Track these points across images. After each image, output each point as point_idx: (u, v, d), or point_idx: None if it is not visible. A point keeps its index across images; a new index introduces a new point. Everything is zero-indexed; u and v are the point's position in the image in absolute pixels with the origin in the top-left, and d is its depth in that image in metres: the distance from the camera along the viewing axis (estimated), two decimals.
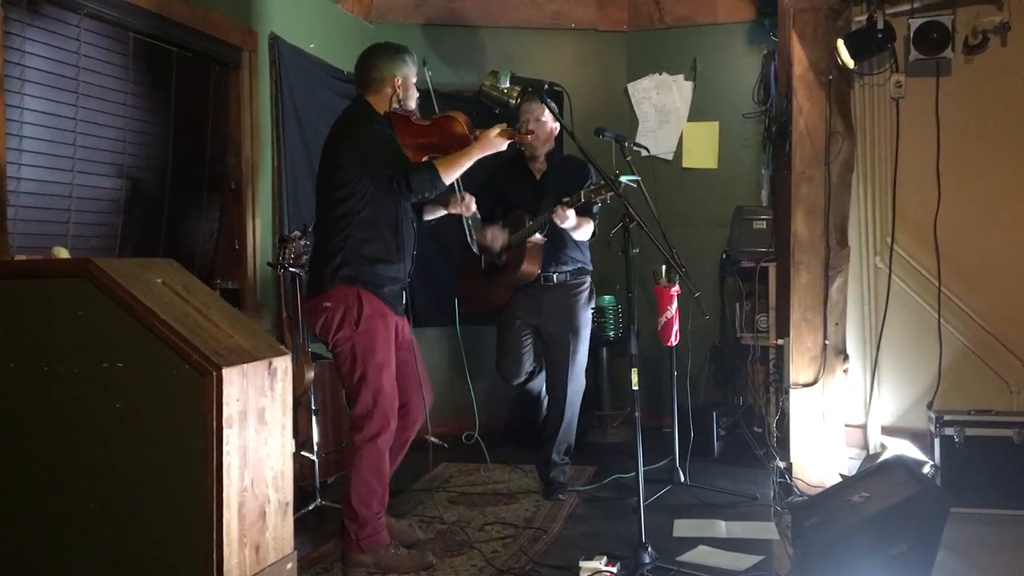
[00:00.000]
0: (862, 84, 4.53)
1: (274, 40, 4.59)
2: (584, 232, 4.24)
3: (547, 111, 4.26)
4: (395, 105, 3.41)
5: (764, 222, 5.19)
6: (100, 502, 2.43)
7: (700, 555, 3.47)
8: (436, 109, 3.66)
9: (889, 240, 4.49)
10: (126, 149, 3.75)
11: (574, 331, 4.30)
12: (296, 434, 3.29)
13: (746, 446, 4.93)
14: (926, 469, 3.94)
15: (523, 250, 4.22)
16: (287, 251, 3.89)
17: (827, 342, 4.26)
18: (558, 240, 4.25)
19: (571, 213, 4.05)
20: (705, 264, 5.67)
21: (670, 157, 5.99)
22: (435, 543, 3.63)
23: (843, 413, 4.32)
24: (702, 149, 5.96)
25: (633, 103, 6.07)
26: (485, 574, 3.35)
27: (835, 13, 4.32)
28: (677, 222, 5.30)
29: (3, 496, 2.50)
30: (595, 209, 4.21)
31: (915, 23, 4.27)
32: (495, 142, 3.36)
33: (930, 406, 4.28)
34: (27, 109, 3.23)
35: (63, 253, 3.01)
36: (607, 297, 5.61)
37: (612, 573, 3.09)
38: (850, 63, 4.24)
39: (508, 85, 3.98)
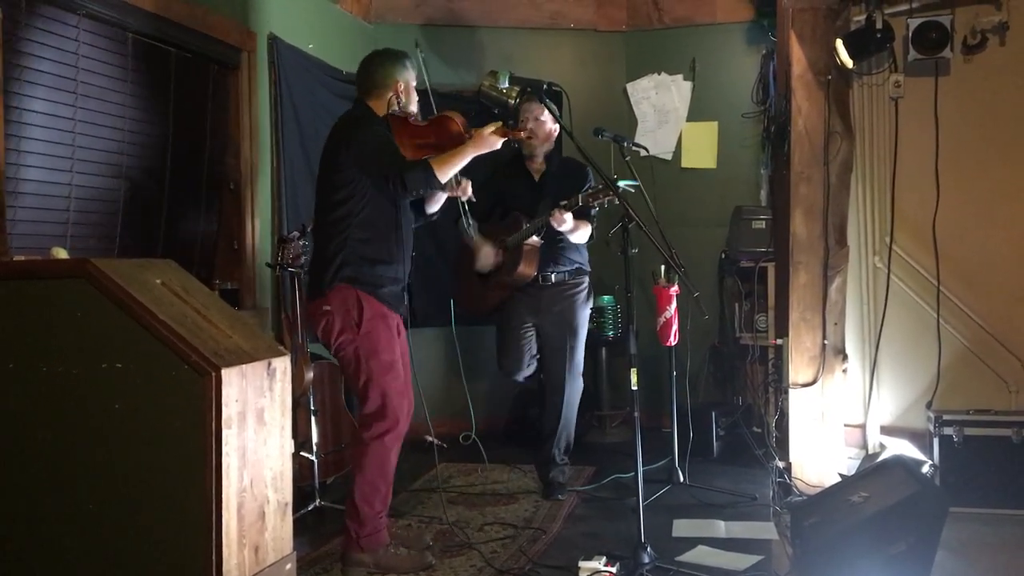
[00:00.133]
0: (861, 84, 4.53)
1: (273, 40, 4.59)
2: (582, 235, 4.24)
3: (546, 111, 4.26)
4: (394, 107, 3.43)
5: (763, 222, 5.19)
6: (99, 503, 2.43)
7: (699, 555, 3.47)
8: (434, 108, 3.67)
9: (888, 240, 4.49)
10: (125, 150, 3.75)
11: (572, 331, 4.30)
12: (295, 435, 3.30)
13: (745, 446, 4.93)
14: (925, 469, 3.94)
15: (520, 252, 4.22)
16: (286, 251, 3.89)
17: (826, 342, 4.26)
18: (556, 241, 4.25)
19: (568, 216, 4.05)
20: (704, 264, 5.67)
21: (669, 157, 5.99)
22: (435, 544, 3.63)
23: (842, 413, 4.32)
24: (701, 149, 5.96)
25: (632, 103, 6.07)
26: (484, 574, 3.35)
27: (834, 13, 4.32)
28: (676, 222, 5.30)
29: (3, 496, 2.50)
30: (593, 212, 4.20)
31: (914, 23, 4.27)
32: (489, 140, 3.38)
33: (929, 406, 4.29)
34: (26, 110, 3.23)
35: (62, 254, 3.01)
36: (606, 297, 5.62)
37: (611, 573, 3.09)
38: (849, 63, 4.24)
39: (507, 85, 3.97)
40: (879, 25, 4.13)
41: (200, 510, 2.38)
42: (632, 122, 6.06)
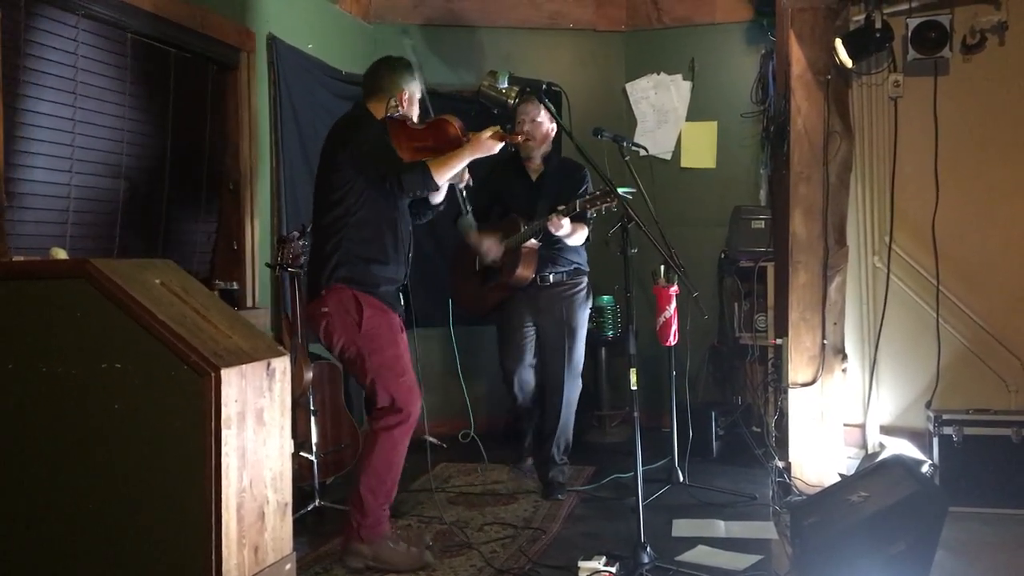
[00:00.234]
0: (860, 84, 4.53)
1: (272, 40, 4.59)
2: (578, 238, 4.24)
3: (543, 112, 4.26)
4: (392, 111, 3.46)
5: (762, 222, 5.19)
6: (99, 503, 2.43)
7: (699, 555, 3.47)
8: (430, 108, 3.69)
9: (887, 239, 4.49)
10: (124, 150, 3.75)
11: (571, 331, 4.30)
12: (295, 435, 3.30)
13: (745, 446, 4.93)
14: (925, 468, 3.94)
15: (518, 255, 4.21)
16: (285, 252, 3.89)
17: (825, 342, 4.26)
18: (554, 242, 4.25)
19: (566, 222, 4.05)
20: (703, 264, 5.67)
21: (668, 157, 5.99)
22: (434, 544, 3.63)
23: (842, 412, 4.32)
24: (700, 149, 5.96)
25: (631, 103, 6.07)
26: (484, 574, 3.35)
27: (833, 13, 4.32)
28: (675, 222, 5.30)
29: (3, 496, 2.50)
30: (589, 215, 4.20)
31: (913, 23, 4.27)
32: (487, 144, 3.40)
33: (928, 405, 4.29)
34: (25, 110, 3.23)
35: (61, 254, 3.01)
36: (606, 297, 5.62)
37: (611, 573, 3.09)
38: (848, 63, 4.24)
39: (506, 85, 3.97)
40: (878, 25, 4.13)
41: (200, 510, 2.38)
42: (631, 122, 6.06)
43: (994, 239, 4.34)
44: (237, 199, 4.40)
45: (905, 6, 4.31)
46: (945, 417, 4.06)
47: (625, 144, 4.15)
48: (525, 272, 4.23)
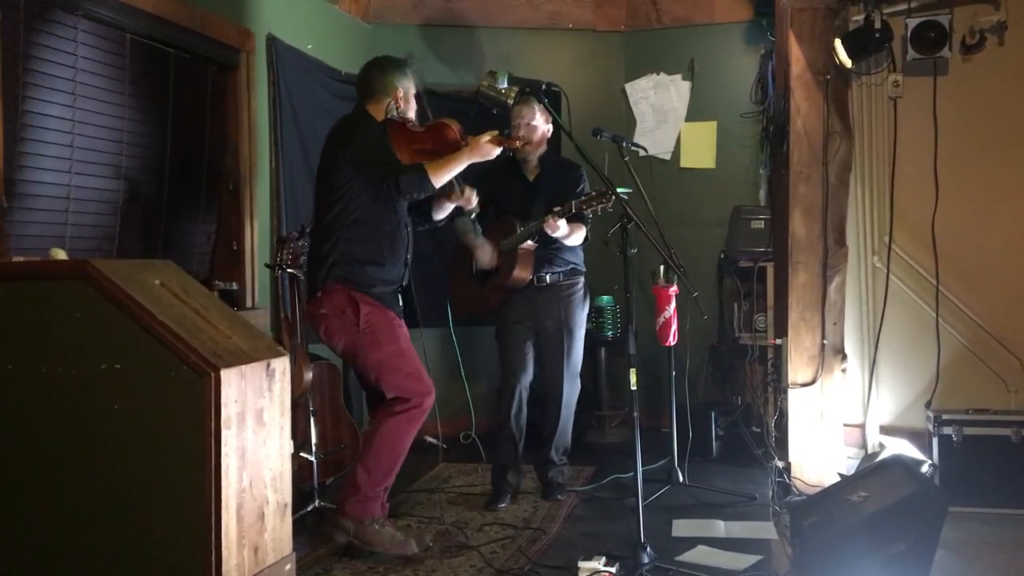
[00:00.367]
0: (860, 84, 4.53)
1: (271, 41, 4.59)
2: (576, 238, 4.22)
3: (539, 115, 4.24)
4: (392, 113, 3.47)
5: (762, 222, 5.20)
6: (99, 503, 2.44)
7: (699, 555, 3.47)
8: (427, 110, 3.70)
9: (887, 239, 4.49)
10: (124, 150, 3.75)
11: (569, 331, 4.29)
12: (294, 435, 3.30)
13: (744, 446, 4.93)
14: (924, 468, 3.94)
15: (515, 256, 4.20)
16: (285, 252, 3.89)
17: (825, 342, 4.26)
18: (550, 242, 4.23)
19: (562, 223, 4.03)
20: (703, 264, 5.67)
21: (668, 157, 5.99)
22: (434, 544, 3.62)
23: (841, 413, 4.32)
24: (700, 149, 5.96)
25: (631, 103, 6.07)
26: (484, 575, 3.35)
27: (832, 13, 4.32)
28: (675, 222, 5.30)
29: (3, 496, 2.50)
30: (587, 215, 4.19)
31: (912, 23, 4.27)
32: (485, 148, 3.42)
33: (928, 405, 4.29)
34: (25, 111, 3.23)
35: (61, 255, 3.01)
36: (605, 297, 5.61)
37: (611, 573, 3.08)
38: (848, 63, 4.24)
39: (506, 86, 3.97)
40: (878, 25, 4.13)
41: (199, 511, 2.38)
42: (631, 122, 6.06)
43: (994, 239, 4.34)
44: (237, 199, 4.40)
45: (904, 6, 4.31)
46: (945, 417, 4.06)
47: (625, 144, 4.14)
48: (522, 274, 4.22)
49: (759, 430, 5.03)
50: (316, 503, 3.97)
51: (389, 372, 3.39)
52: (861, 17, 4.29)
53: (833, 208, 4.29)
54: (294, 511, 2.87)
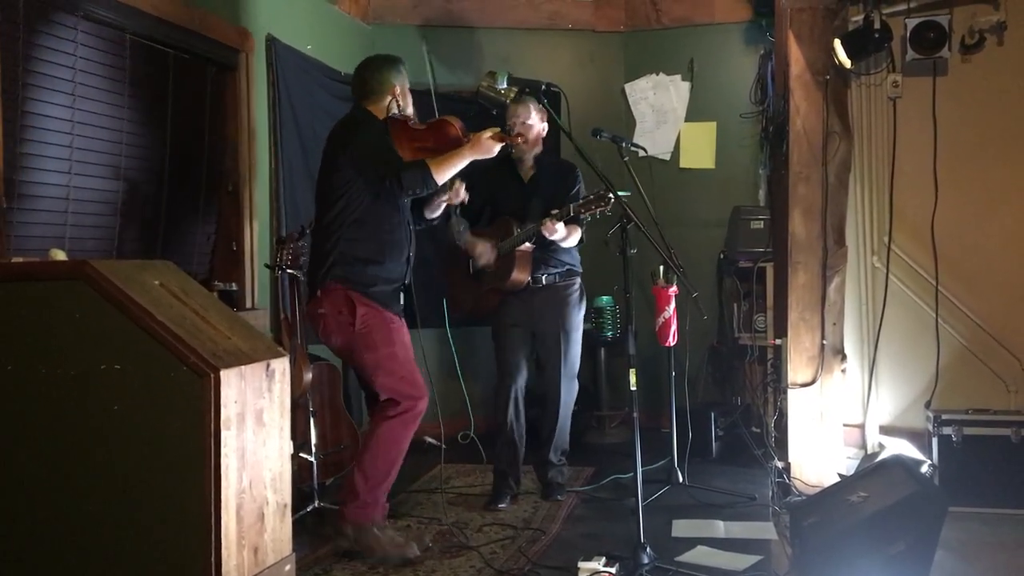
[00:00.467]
0: (859, 84, 4.53)
1: (271, 42, 4.59)
2: (572, 240, 4.22)
3: (534, 113, 4.24)
4: (394, 111, 3.47)
5: (761, 222, 5.20)
6: (99, 503, 2.43)
7: (699, 555, 3.47)
8: (435, 110, 3.70)
9: (886, 240, 4.49)
10: (123, 151, 3.75)
11: (565, 333, 4.28)
12: (294, 436, 3.30)
13: (744, 446, 4.93)
14: (924, 468, 3.94)
15: (512, 259, 4.19)
16: (284, 252, 3.89)
17: (825, 342, 4.26)
18: (547, 243, 4.23)
19: (560, 226, 4.03)
20: (703, 264, 5.67)
21: (667, 157, 5.99)
22: (434, 545, 3.63)
23: (841, 413, 4.32)
24: (699, 149, 5.96)
25: (630, 103, 6.08)
26: (484, 575, 3.35)
27: (832, 13, 4.33)
28: (675, 222, 5.30)
29: (3, 496, 2.50)
30: (583, 218, 4.18)
31: (912, 23, 4.27)
32: (486, 145, 3.42)
33: (928, 405, 4.29)
34: (24, 111, 3.23)
35: (60, 255, 3.01)
36: (605, 298, 5.61)
37: (611, 574, 3.08)
38: (847, 63, 4.24)
39: (505, 86, 3.97)
40: (877, 25, 4.12)
41: (199, 511, 2.38)
42: (630, 122, 6.06)
43: (993, 239, 4.34)
44: (236, 200, 4.40)
45: (904, 6, 4.31)
46: (944, 417, 4.06)
47: (624, 145, 4.14)
48: (520, 276, 4.22)
49: (759, 430, 5.02)
50: (316, 503, 3.97)
51: (382, 374, 3.40)
52: (860, 17, 4.29)
53: (832, 208, 4.29)
54: (294, 511, 2.87)
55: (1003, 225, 4.33)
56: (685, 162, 5.98)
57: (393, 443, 3.39)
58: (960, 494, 3.86)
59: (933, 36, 4.24)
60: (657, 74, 6.02)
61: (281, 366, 2.71)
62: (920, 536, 2.94)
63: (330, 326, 3.40)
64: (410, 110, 3.56)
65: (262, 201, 4.55)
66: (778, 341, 4.57)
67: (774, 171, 5.14)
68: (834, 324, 4.29)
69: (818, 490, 3.87)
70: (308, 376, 3.96)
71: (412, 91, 3.65)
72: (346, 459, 4.31)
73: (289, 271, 3.91)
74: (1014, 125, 4.30)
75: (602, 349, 5.70)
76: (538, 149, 4.35)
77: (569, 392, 4.34)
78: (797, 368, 4.31)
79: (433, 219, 3.77)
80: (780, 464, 4.32)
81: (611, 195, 3.71)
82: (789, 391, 4.31)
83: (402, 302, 3.57)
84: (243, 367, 2.50)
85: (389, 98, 3.49)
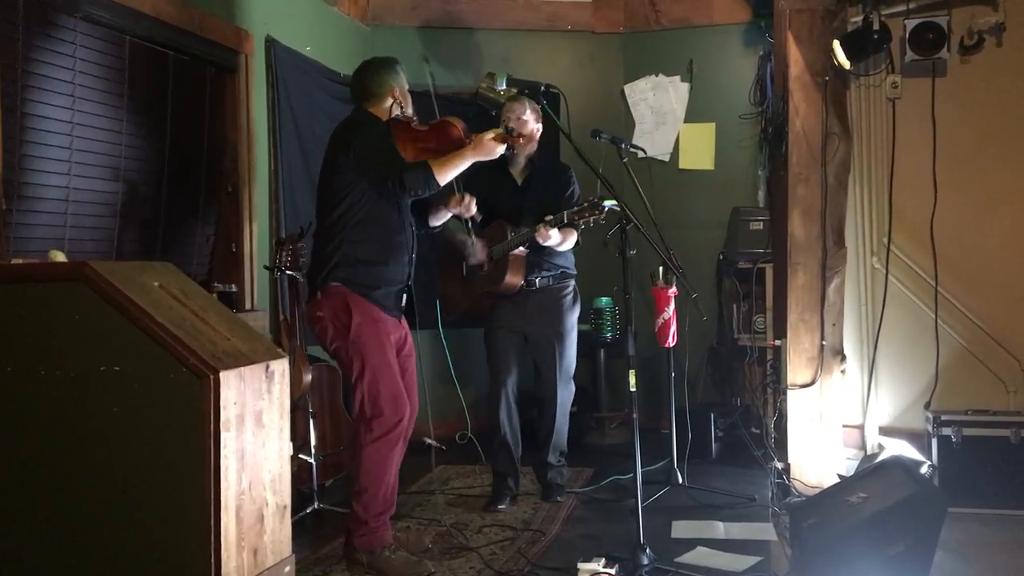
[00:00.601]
0: (858, 85, 4.53)
1: (270, 43, 4.60)
2: (567, 244, 4.20)
3: (528, 111, 4.22)
4: (396, 112, 3.47)
5: (761, 223, 5.20)
6: (99, 504, 2.44)
7: (698, 556, 3.47)
8: (436, 111, 3.69)
9: (886, 241, 4.50)
10: (123, 152, 3.75)
11: (559, 335, 4.26)
12: (294, 437, 3.30)
13: (744, 447, 4.93)
14: (924, 469, 3.94)
15: (506, 263, 4.17)
16: (284, 254, 3.89)
17: (824, 343, 4.26)
18: (540, 246, 4.20)
19: (554, 232, 4.01)
20: (702, 265, 5.66)
21: (667, 158, 6.00)
22: (434, 546, 3.63)
23: (841, 414, 4.32)
24: (699, 150, 5.97)
25: (630, 104, 6.08)
26: None
27: (831, 14, 4.33)
28: (674, 223, 5.30)
29: (3, 497, 2.50)
30: (578, 224, 4.17)
31: (911, 24, 4.27)
32: (489, 146, 3.41)
33: (927, 406, 4.29)
34: (24, 113, 3.23)
35: (60, 257, 3.01)
36: (604, 299, 5.61)
37: (610, 575, 3.08)
38: (846, 64, 4.25)
39: (504, 87, 3.97)
40: (876, 26, 4.13)
41: (199, 512, 2.38)
42: (630, 123, 6.06)
43: (992, 240, 4.35)
44: (235, 201, 4.40)
45: (903, 7, 4.32)
46: (944, 418, 4.06)
47: (623, 146, 4.14)
48: (514, 279, 4.20)
49: (758, 431, 5.03)
50: (315, 505, 3.97)
51: (365, 386, 3.34)
52: (859, 18, 4.29)
53: (832, 209, 4.30)
54: (293, 513, 2.87)
55: (1002, 225, 4.34)
56: (684, 163, 5.98)
57: (380, 464, 3.34)
58: (960, 495, 3.86)
59: (932, 37, 4.25)
60: (656, 75, 6.03)
61: (280, 367, 2.71)
62: (920, 537, 2.94)
63: (327, 328, 3.39)
64: (410, 110, 3.56)
65: (261, 202, 4.55)
66: (777, 342, 4.57)
67: (773, 172, 5.15)
68: (833, 325, 4.29)
69: (818, 491, 3.87)
70: (308, 377, 3.96)
71: (412, 92, 3.65)
72: (345, 460, 4.31)
73: (288, 272, 3.91)
74: (1013, 126, 4.31)
75: (601, 350, 5.69)
76: (532, 149, 4.33)
77: (565, 394, 4.33)
78: (796, 369, 4.31)
79: (436, 227, 3.78)
80: (780, 465, 4.33)
81: (604, 204, 3.71)
82: (789, 392, 4.31)
83: (404, 303, 3.56)
84: (243, 368, 2.50)
85: (390, 100, 3.48)
